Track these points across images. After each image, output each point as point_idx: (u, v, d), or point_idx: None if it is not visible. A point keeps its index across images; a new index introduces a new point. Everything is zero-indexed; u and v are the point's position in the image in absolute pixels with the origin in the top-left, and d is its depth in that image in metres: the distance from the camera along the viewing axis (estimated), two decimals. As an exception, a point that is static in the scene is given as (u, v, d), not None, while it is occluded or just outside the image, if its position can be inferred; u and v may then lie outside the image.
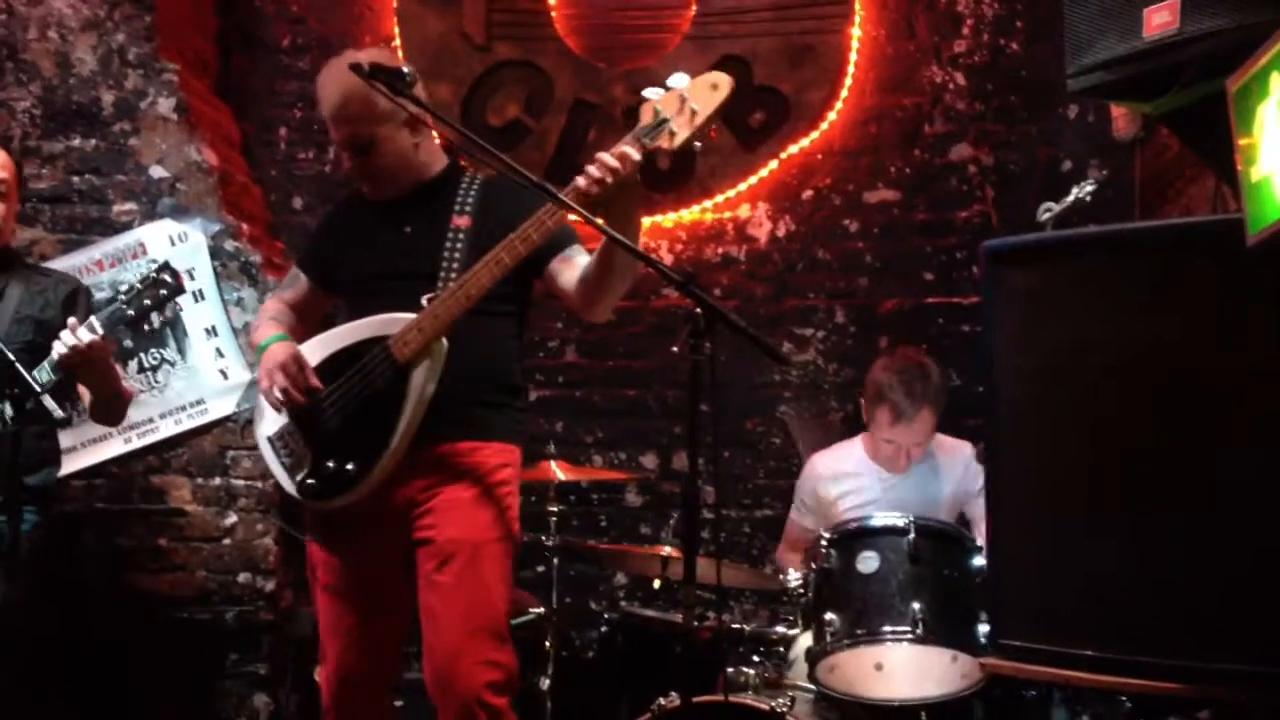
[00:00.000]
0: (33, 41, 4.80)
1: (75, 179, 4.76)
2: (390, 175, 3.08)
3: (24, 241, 4.62)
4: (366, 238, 3.13)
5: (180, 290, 3.04)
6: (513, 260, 2.84)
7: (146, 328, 4.53)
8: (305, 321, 3.25)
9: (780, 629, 3.68)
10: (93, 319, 2.97)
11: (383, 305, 2.98)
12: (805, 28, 5.03)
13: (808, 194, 5.07)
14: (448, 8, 5.24)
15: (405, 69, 2.85)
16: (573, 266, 3.00)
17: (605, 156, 2.74)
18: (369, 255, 3.10)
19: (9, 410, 2.91)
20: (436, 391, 2.90)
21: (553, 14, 5.23)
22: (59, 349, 2.93)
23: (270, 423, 3.08)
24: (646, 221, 5.07)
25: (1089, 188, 3.14)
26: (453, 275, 2.94)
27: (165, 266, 2.98)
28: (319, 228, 3.40)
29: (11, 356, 2.85)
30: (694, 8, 5.13)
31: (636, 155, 2.74)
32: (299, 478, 3.00)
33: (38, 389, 2.84)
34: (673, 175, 5.02)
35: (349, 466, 2.93)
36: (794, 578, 3.62)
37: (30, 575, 3.09)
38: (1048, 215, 3.09)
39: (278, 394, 2.97)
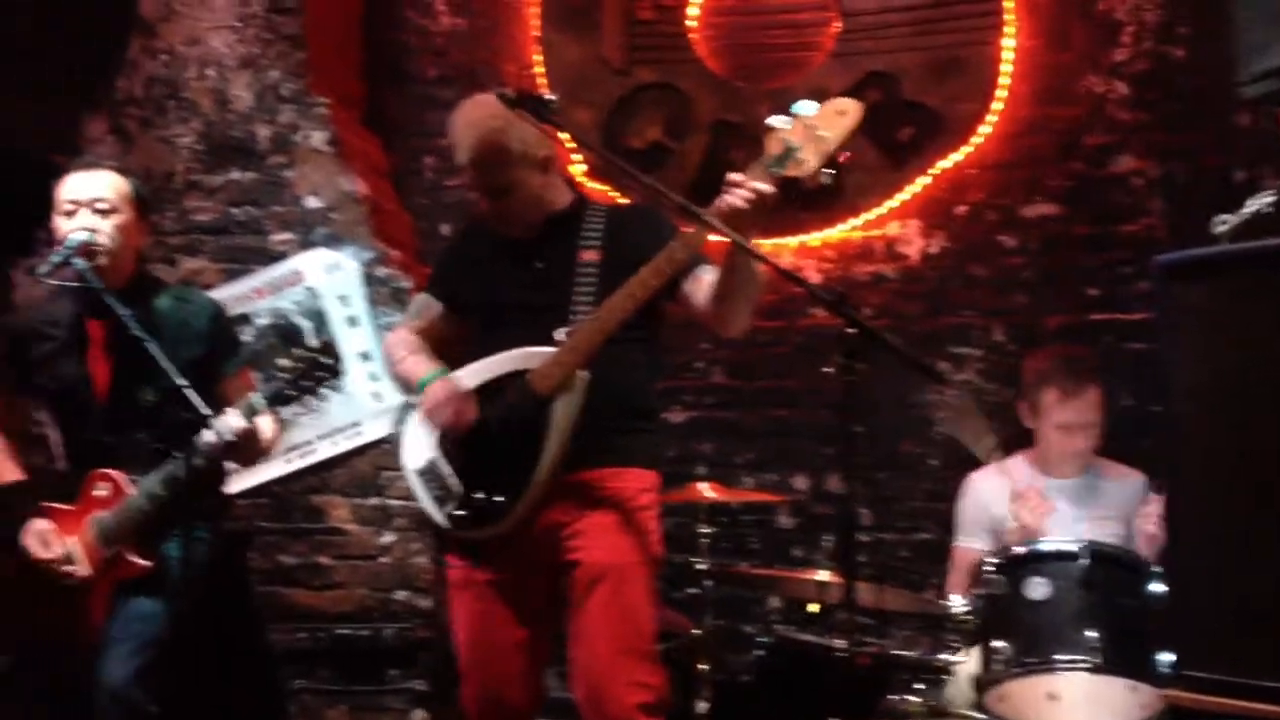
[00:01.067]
0: (192, 80, 4.97)
1: (235, 210, 4.90)
2: (522, 216, 3.12)
3: (188, 271, 4.79)
4: (496, 269, 3.17)
5: (339, 373, 3.04)
6: (646, 294, 2.87)
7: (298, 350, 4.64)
8: (437, 348, 3.28)
9: (944, 656, 3.58)
10: (252, 398, 2.99)
11: (515, 337, 3.02)
12: (953, 40, 4.94)
13: (961, 209, 4.97)
14: (587, 34, 5.27)
15: (549, 96, 2.87)
16: (702, 285, 2.99)
17: (743, 190, 2.72)
18: (501, 287, 3.14)
19: (186, 454, 2.97)
20: (578, 419, 2.92)
21: (693, 36, 5.23)
22: (209, 437, 2.96)
23: (416, 456, 3.12)
24: (793, 241, 5.03)
25: (1267, 199, 3.00)
26: (583, 309, 2.97)
27: (326, 347, 3.00)
28: (448, 255, 3.44)
29: (184, 382, 2.90)
30: (837, 24, 5.08)
31: (769, 188, 2.71)
32: (447, 509, 3.04)
33: (205, 413, 2.90)
34: (818, 194, 4.95)
35: (497, 499, 2.97)
36: (958, 603, 3.53)
37: (203, 592, 3.15)
38: (1224, 228, 2.96)
39: (446, 426, 3.02)
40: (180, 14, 5.00)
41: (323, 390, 3.00)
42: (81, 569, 3.08)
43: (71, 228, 3.07)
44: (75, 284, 3.05)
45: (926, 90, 4.96)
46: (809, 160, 2.70)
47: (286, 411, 4.51)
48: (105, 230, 3.08)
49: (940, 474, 4.85)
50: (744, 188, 2.71)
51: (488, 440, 2.99)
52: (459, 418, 3.00)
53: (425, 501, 3.10)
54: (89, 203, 3.09)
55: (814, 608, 4.04)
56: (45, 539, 3.10)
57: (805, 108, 2.73)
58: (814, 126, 2.70)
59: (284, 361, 2.96)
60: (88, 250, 3.04)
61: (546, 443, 2.92)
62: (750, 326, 3.08)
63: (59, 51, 5.46)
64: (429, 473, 3.08)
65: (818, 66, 5.09)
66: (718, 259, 2.94)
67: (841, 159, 2.74)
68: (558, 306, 2.99)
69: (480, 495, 2.99)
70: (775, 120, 2.75)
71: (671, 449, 4.95)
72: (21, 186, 4.99)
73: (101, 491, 3.10)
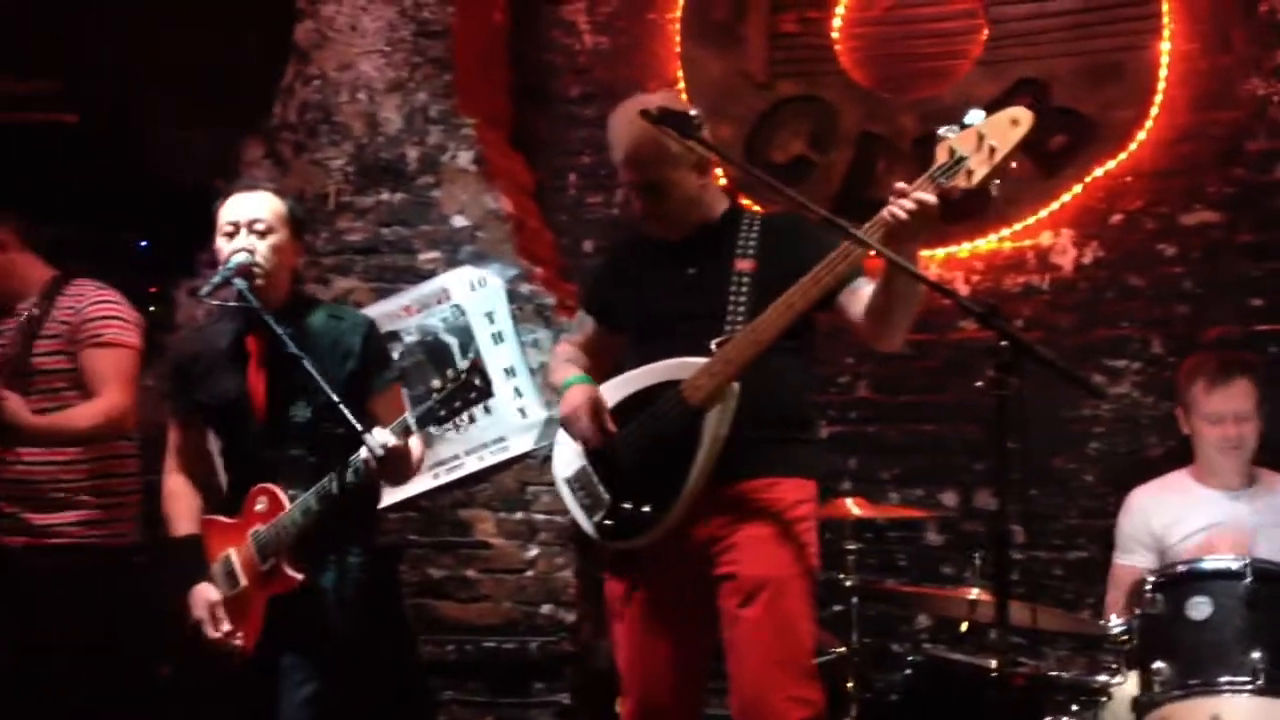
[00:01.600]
0: (344, 104, 5.11)
1: (385, 230, 5.01)
2: (677, 217, 3.11)
3: (340, 290, 4.91)
4: (650, 279, 3.17)
5: (489, 394, 3.05)
6: (805, 305, 2.85)
7: (449, 368, 4.72)
8: (596, 361, 3.31)
9: (1101, 677, 3.47)
10: (405, 418, 3.02)
11: (668, 346, 3.01)
12: (1108, 45, 4.80)
13: (1116, 218, 4.82)
14: (729, 49, 5.27)
15: (692, 112, 2.89)
16: (859, 299, 2.96)
17: (906, 201, 2.68)
18: (653, 297, 3.14)
19: (341, 470, 3.02)
20: (731, 430, 2.90)
21: (837, 47, 5.18)
22: (363, 454, 2.99)
23: (567, 464, 3.14)
24: (941, 253, 4.95)
25: None
26: (739, 318, 2.95)
27: (475, 367, 3.00)
28: (600, 271, 3.46)
29: (337, 399, 2.97)
30: (985, 31, 4.99)
31: (932, 199, 2.67)
32: (596, 519, 3.05)
33: (359, 428, 2.96)
34: (967, 204, 4.87)
35: (645, 509, 2.97)
36: (1115, 623, 3.42)
37: (360, 607, 3.20)
38: None
39: (578, 435, 3.04)
40: (332, 40, 5.15)
41: (473, 411, 3.03)
42: (240, 643, 3.17)
43: (231, 249, 3.17)
44: (235, 304, 3.15)
45: (1079, 96, 4.82)
46: (978, 170, 2.67)
47: (435, 427, 4.63)
48: (262, 251, 3.17)
49: (1095, 490, 4.72)
50: (908, 198, 2.68)
51: (637, 450, 2.99)
52: (591, 426, 3.01)
53: (574, 509, 3.12)
54: (247, 224, 3.18)
55: (965, 626, 3.96)
56: (214, 612, 3.18)
57: (975, 116, 2.70)
58: (984, 136, 2.66)
59: (435, 382, 3.00)
60: (246, 271, 3.13)
61: (696, 455, 2.91)
62: (903, 342, 3.03)
63: (220, 81, 5.69)
64: (578, 480, 3.10)
65: (965, 75, 5.00)
66: (875, 272, 2.90)
67: (1011, 169, 2.70)
68: (711, 315, 2.99)
69: (628, 505, 2.99)
70: (945, 130, 2.73)
71: (821, 461, 4.89)
72: (184, 211, 5.22)
73: (260, 506, 3.18)
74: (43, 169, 5.54)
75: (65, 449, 3.75)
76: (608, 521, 3.02)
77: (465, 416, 4.69)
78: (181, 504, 3.37)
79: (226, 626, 3.17)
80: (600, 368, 3.25)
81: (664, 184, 3.05)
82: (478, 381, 2.98)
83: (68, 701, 3.69)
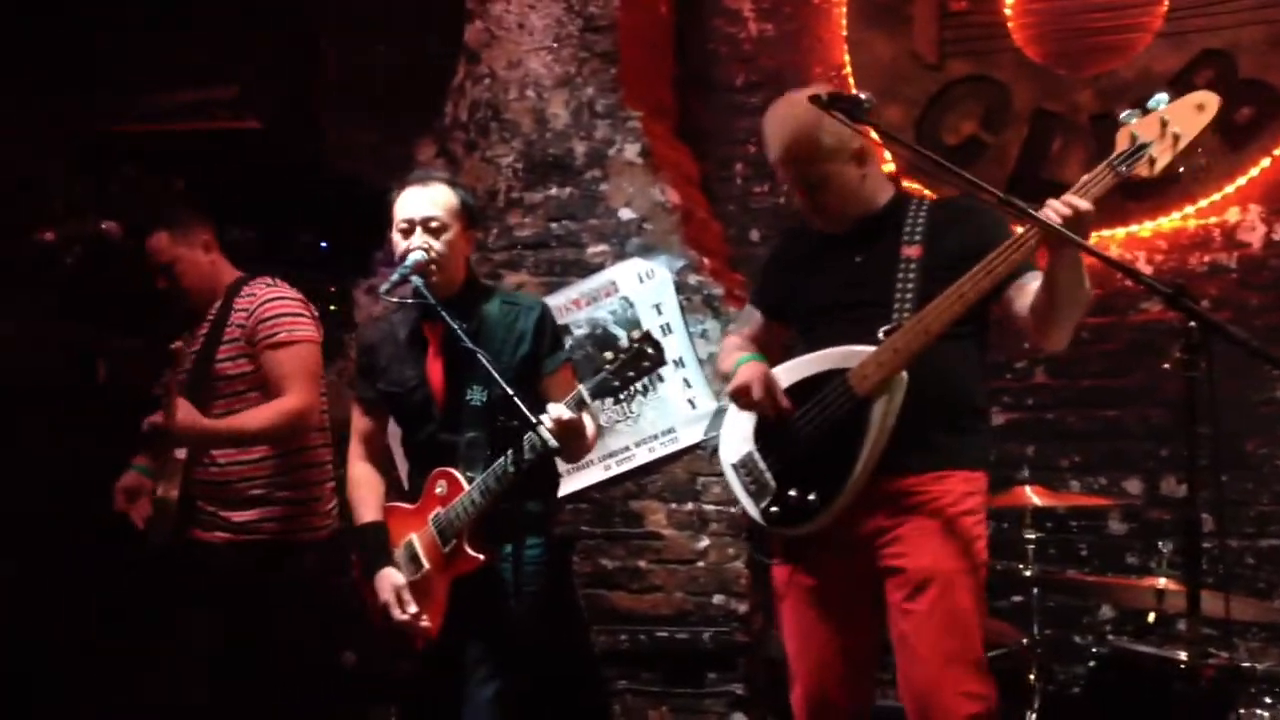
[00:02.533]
0: (513, 101, 5.19)
1: (553, 225, 5.08)
2: (839, 210, 3.08)
3: (511, 286, 4.99)
4: (817, 269, 3.14)
5: (662, 361, 3.01)
6: (976, 295, 2.79)
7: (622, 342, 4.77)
8: (764, 354, 3.28)
9: (1299, 669, 3.33)
10: (579, 389, 3.04)
11: (836, 335, 2.98)
12: (1298, 11, 4.60)
13: (1309, 192, 4.62)
14: (898, 30, 5.20)
15: (862, 96, 2.83)
16: (1026, 293, 2.88)
17: (1072, 198, 2.61)
18: (820, 286, 3.11)
19: (515, 450, 3.06)
20: (900, 420, 2.86)
21: (1009, 24, 5.06)
22: (535, 438, 3.02)
23: (734, 450, 3.14)
24: (1121, 232, 4.80)
25: None
26: (907, 306, 2.91)
27: (646, 336, 2.99)
28: (768, 262, 3.44)
29: (510, 391, 3.02)
30: (1165, 2, 4.81)
31: (1083, 206, 2.60)
32: (763, 505, 3.04)
33: (534, 420, 3.00)
34: (1150, 182, 4.70)
35: (810, 496, 2.95)
36: (1313, 614, 3.27)
37: (540, 597, 3.25)
38: None
39: (750, 403, 3.02)
40: (501, 39, 5.24)
41: (646, 381, 3.02)
42: (426, 624, 3.23)
43: (407, 247, 3.25)
44: (412, 300, 3.23)
45: (1268, 67, 4.63)
46: (1161, 158, 2.60)
47: (606, 419, 4.66)
48: (437, 248, 3.25)
49: (1290, 475, 4.53)
50: (1069, 202, 2.60)
51: (803, 437, 2.97)
52: (765, 397, 2.99)
53: (740, 495, 3.11)
54: (422, 222, 3.26)
55: (1152, 617, 3.83)
56: (400, 595, 3.25)
57: (1159, 101, 2.63)
58: (1167, 122, 2.59)
59: (608, 354, 3.02)
60: (423, 268, 3.21)
61: (863, 445, 2.87)
62: (1068, 342, 2.93)
63: (397, 83, 5.86)
64: (745, 466, 3.10)
65: (1144, 48, 4.84)
66: (1042, 264, 2.83)
67: (1198, 156, 2.61)
68: (879, 303, 2.95)
69: (793, 493, 2.98)
70: (1127, 115, 2.67)
71: (992, 452, 4.80)
72: (361, 212, 5.38)
73: (440, 489, 3.25)
74: (226, 173, 5.77)
75: (253, 448, 3.88)
76: (773, 508, 3.01)
77: (634, 408, 4.76)
78: (365, 491, 3.46)
79: (413, 609, 3.24)
80: (772, 359, 3.22)
81: (822, 179, 3.02)
82: (650, 350, 2.98)
83: (273, 692, 3.83)
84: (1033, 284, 2.86)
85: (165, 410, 3.62)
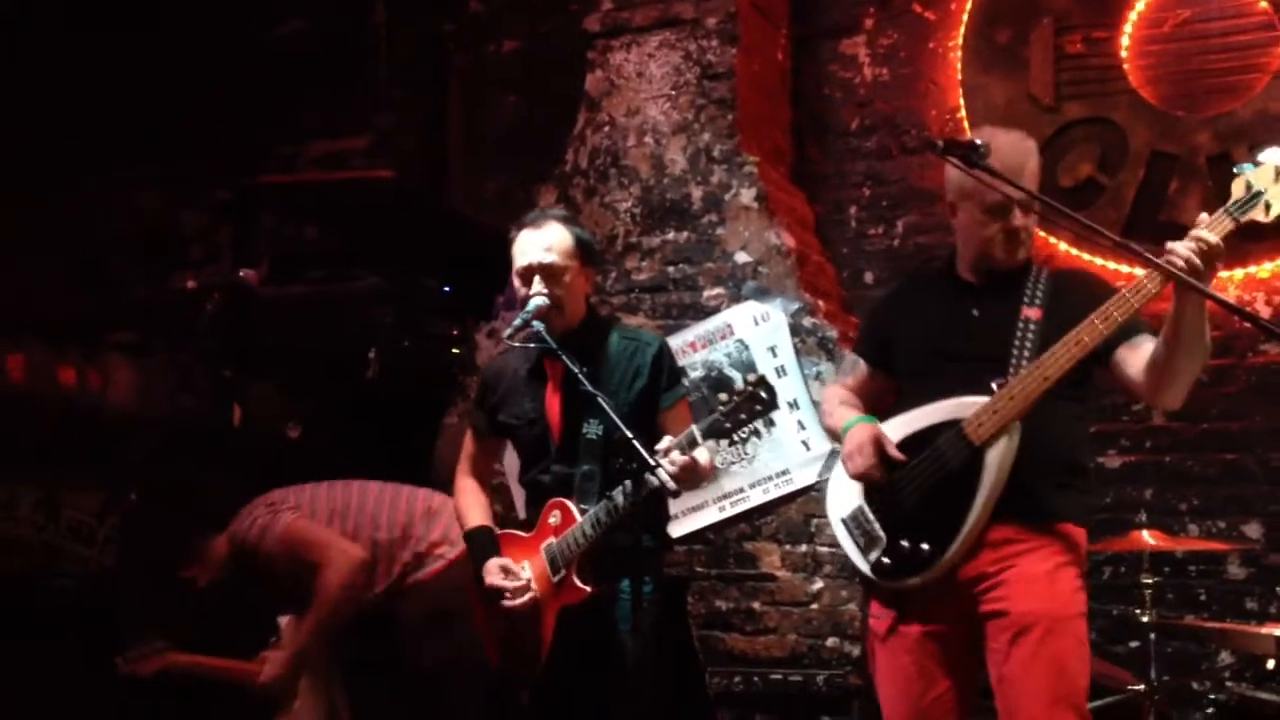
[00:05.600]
0: (632, 148, 5.33)
1: (670, 269, 5.19)
2: (1003, 248, 3.04)
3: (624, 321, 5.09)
4: (932, 315, 3.17)
5: (774, 406, 3.08)
6: (1093, 341, 2.82)
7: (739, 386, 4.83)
8: (866, 406, 3.30)
9: None
10: (694, 429, 3.11)
11: (945, 386, 3.01)
12: None
13: None
14: (1013, 73, 5.23)
15: (978, 141, 2.86)
16: (1141, 354, 2.89)
17: (1201, 233, 2.65)
18: (933, 332, 3.14)
19: (628, 485, 3.14)
20: (1011, 470, 2.88)
21: (1125, 66, 5.06)
22: (651, 479, 3.08)
23: (843, 504, 3.17)
24: (1240, 273, 4.76)
25: None
26: (1023, 363, 2.93)
27: (761, 381, 3.06)
28: (878, 309, 3.47)
29: (630, 433, 3.07)
30: (1284, 43, 4.78)
31: (1213, 239, 2.64)
32: (873, 557, 3.06)
33: (651, 462, 3.04)
34: (1268, 224, 4.66)
35: (923, 546, 2.96)
36: None
37: (654, 637, 3.31)
38: None
39: (860, 470, 3.06)
40: (620, 88, 5.39)
41: (758, 424, 3.08)
42: (525, 599, 3.31)
43: (528, 294, 3.36)
44: (534, 344, 3.35)
45: (1389, 105, 4.56)
46: (1277, 203, 2.67)
47: (720, 460, 4.70)
48: (556, 293, 3.35)
49: None
50: (1195, 241, 2.65)
51: (917, 488, 3.00)
52: (873, 463, 3.03)
53: (850, 549, 3.14)
54: (540, 267, 3.36)
55: (1272, 664, 3.77)
56: (506, 569, 3.35)
57: (1273, 154, 2.71)
58: None
59: (722, 395, 3.10)
60: (544, 313, 3.32)
61: (977, 493, 2.90)
62: (1183, 401, 2.93)
63: (522, 132, 6.04)
64: (854, 520, 3.12)
65: (1262, 88, 4.80)
66: (1159, 325, 2.84)
67: None
68: (995, 359, 2.97)
69: (906, 544, 3.00)
70: (1242, 166, 2.75)
71: (1108, 495, 4.78)
72: (485, 257, 5.55)
73: (554, 519, 3.33)
74: (358, 223, 5.99)
75: None
76: (885, 560, 3.03)
77: (753, 435, 4.80)
78: (471, 498, 3.58)
79: (525, 575, 3.30)
80: (870, 412, 3.24)
81: (1009, 206, 2.99)
82: (764, 394, 3.04)
83: None
84: (1146, 345, 2.89)
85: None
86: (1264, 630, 3.74)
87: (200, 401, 5.55)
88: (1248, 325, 4.53)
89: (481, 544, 3.47)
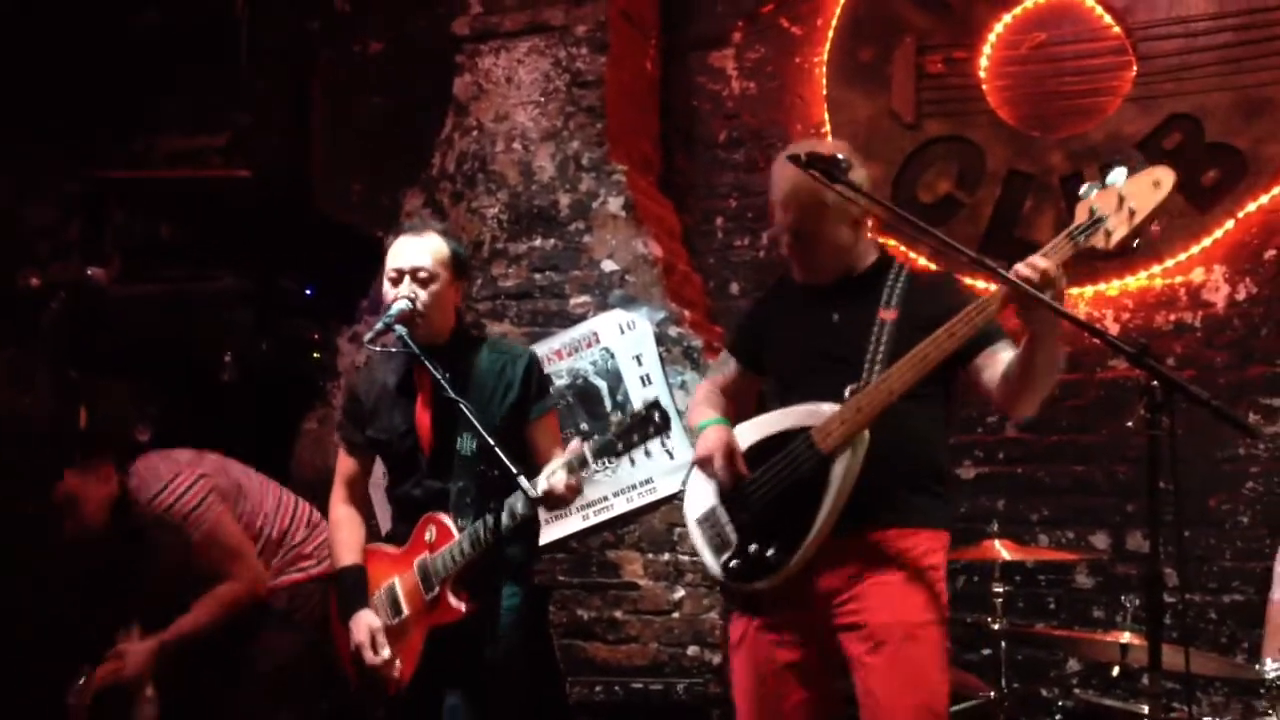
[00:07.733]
0: (500, 154, 5.29)
1: (537, 276, 5.16)
2: (823, 266, 3.13)
3: (493, 335, 5.05)
4: (794, 322, 3.20)
5: (667, 428, 3.07)
6: (939, 356, 2.84)
7: (598, 409, 4.80)
8: (737, 402, 3.34)
9: (1258, 724, 3.39)
10: (585, 449, 3.10)
11: (807, 390, 3.03)
12: (1261, 79, 4.73)
13: (1270, 254, 4.73)
14: (876, 91, 5.32)
15: (840, 156, 2.89)
16: (998, 362, 2.93)
17: (1036, 259, 2.69)
18: (796, 339, 3.17)
19: (515, 504, 3.11)
20: (862, 478, 2.90)
21: (984, 86, 5.19)
22: (520, 500, 3.10)
23: (698, 504, 3.17)
24: (1090, 290, 4.91)
25: None
26: (876, 366, 2.96)
27: (655, 404, 3.05)
28: (749, 312, 3.49)
29: (492, 442, 3.03)
30: (1134, 68, 4.94)
31: (1044, 264, 2.66)
32: (723, 559, 3.06)
33: (514, 471, 3.01)
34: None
35: (769, 552, 2.97)
36: (1271, 667, 3.33)
37: (520, 647, 3.28)
38: None
39: (708, 476, 3.08)
40: (489, 92, 5.34)
41: (650, 446, 3.08)
42: (398, 672, 3.27)
43: (394, 295, 3.30)
44: (395, 349, 3.28)
45: (1233, 131, 4.75)
46: (1117, 231, 2.68)
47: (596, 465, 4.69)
48: (423, 298, 3.29)
49: (1251, 532, 4.61)
50: (1033, 265, 2.68)
51: (766, 494, 3.01)
52: (724, 468, 3.04)
53: (702, 549, 3.14)
54: (410, 271, 3.31)
55: (1116, 671, 3.89)
56: (375, 638, 3.28)
57: (1117, 176, 2.71)
58: (1124, 197, 2.67)
59: (616, 416, 3.07)
60: (407, 317, 3.26)
61: (824, 501, 2.91)
62: (1036, 411, 2.98)
63: (385, 134, 5.94)
64: (708, 520, 3.13)
65: (1114, 111, 4.96)
66: (1017, 336, 2.89)
67: (1152, 231, 2.68)
68: (851, 362, 3.00)
69: (754, 548, 3.01)
70: (1085, 189, 2.75)
71: (962, 505, 4.88)
72: (348, 260, 5.45)
73: (429, 535, 3.27)
74: (215, 222, 5.82)
75: None
76: (733, 563, 3.04)
77: (643, 457, 4.78)
78: (347, 533, 3.50)
79: (386, 653, 3.26)
80: (741, 409, 3.29)
81: (814, 233, 3.07)
82: (657, 417, 3.03)
83: None
84: (1004, 353, 2.92)
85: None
86: (1109, 638, 3.84)
87: (42, 402, 5.33)
88: (1097, 341, 4.69)
89: (352, 587, 3.41)
